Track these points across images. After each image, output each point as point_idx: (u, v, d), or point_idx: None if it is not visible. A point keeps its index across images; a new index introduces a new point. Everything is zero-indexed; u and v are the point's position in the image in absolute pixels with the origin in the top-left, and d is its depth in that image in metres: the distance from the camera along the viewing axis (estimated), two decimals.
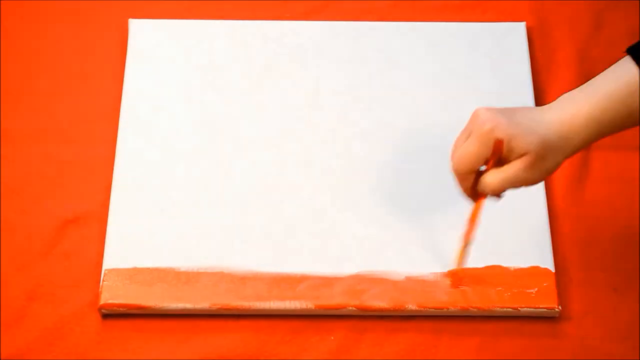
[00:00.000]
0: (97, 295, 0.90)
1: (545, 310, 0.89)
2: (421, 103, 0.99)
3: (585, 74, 1.02)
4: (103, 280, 0.90)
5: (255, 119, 0.98)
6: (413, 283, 0.90)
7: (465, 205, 0.84)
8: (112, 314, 0.90)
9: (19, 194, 0.95)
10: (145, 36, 1.02)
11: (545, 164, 0.78)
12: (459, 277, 0.90)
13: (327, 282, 0.89)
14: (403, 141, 0.97)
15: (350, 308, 0.89)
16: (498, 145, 0.77)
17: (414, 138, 0.97)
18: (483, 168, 0.80)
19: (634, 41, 1.03)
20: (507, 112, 0.79)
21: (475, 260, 0.91)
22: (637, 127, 0.98)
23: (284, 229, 0.92)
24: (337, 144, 0.97)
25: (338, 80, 1.00)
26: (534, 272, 0.90)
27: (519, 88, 1.00)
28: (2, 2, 1.05)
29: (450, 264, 0.90)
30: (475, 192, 0.82)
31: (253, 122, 0.98)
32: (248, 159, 0.96)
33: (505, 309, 0.89)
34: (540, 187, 0.94)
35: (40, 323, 0.90)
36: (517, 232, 0.92)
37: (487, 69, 1.00)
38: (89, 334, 0.89)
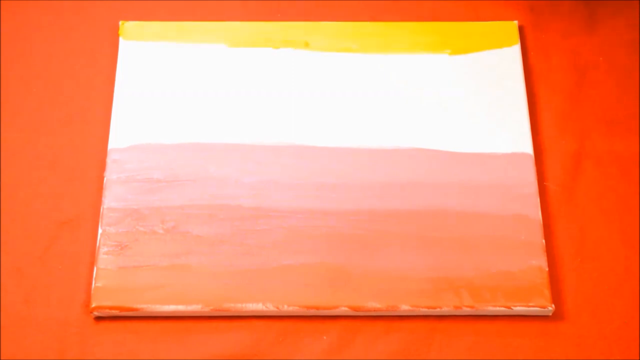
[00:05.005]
0: (90, 298, 0.90)
1: (538, 309, 0.89)
2: (410, 103, 0.99)
3: (579, 74, 1.02)
4: (94, 282, 0.90)
5: (252, 123, 0.98)
6: (406, 282, 0.90)
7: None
8: (105, 316, 0.90)
9: (12, 198, 0.95)
10: (137, 38, 1.02)
11: None
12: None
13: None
14: (396, 141, 0.97)
15: (343, 308, 0.89)
16: None
17: (406, 138, 0.97)
18: None
19: (627, 41, 1.04)
20: None
21: (469, 260, 0.91)
22: (633, 125, 0.99)
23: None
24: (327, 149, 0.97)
25: (326, 83, 1.00)
26: (527, 271, 0.90)
27: (511, 88, 0.99)
28: None
29: None
30: None
31: (248, 126, 0.98)
32: (245, 160, 0.96)
33: (498, 308, 0.89)
34: (533, 184, 0.94)
35: (36, 326, 0.90)
36: (511, 231, 0.92)
37: (478, 69, 1.00)
38: (82, 336, 0.89)
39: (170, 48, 1.01)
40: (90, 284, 0.90)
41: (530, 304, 0.89)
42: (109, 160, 0.95)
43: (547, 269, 0.91)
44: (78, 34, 1.04)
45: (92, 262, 0.91)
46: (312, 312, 0.89)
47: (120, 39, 1.01)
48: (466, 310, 0.89)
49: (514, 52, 1.01)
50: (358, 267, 0.91)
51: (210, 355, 0.89)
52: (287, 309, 0.89)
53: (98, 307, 0.89)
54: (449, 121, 0.98)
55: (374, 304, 0.89)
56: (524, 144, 0.96)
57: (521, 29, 1.04)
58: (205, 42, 1.01)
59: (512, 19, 1.04)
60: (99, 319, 0.90)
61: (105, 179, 0.95)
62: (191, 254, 0.91)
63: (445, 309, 0.89)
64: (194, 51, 1.01)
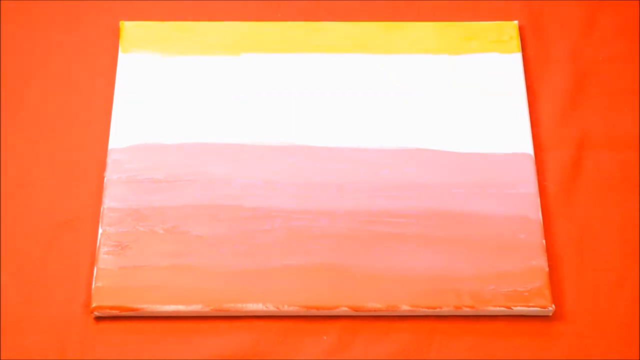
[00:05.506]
0: (90, 298, 0.90)
1: (538, 309, 0.89)
2: (410, 103, 0.99)
3: (578, 73, 1.02)
4: (94, 282, 0.90)
5: (252, 123, 0.98)
6: (406, 282, 0.90)
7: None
8: (105, 316, 0.90)
9: (12, 198, 0.95)
10: (137, 38, 1.02)
11: None
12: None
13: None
14: (396, 141, 0.97)
15: (343, 308, 0.89)
16: None
17: (406, 139, 0.97)
18: None
19: (626, 40, 1.04)
20: None
21: (470, 260, 0.91)
22: (633, 125, 0.99)
23: None
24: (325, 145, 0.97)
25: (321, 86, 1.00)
26: (527, 271, 0.90)
27: (511, 88, 0.99)
28: None
29: None
30: None
31: (248, 126, 0.98)
32: (245, 160, 0.96)
33: (498, 308, 0.89)
34: (533, 184, 0.94)
35: (36, 326, 0.90)
36: (511, 231, 0.92)
37: (479, 69, 1.00)
38: (83, 336, 0.89)
39: (170, 49, 1.01)
40: (91, 284, 0.90)
41: (531, 304, 0.89)
42: (109, 160, 0.95)
43: (547, 269, 0.91)
44: (78, 34, 1.04)
45: (92, 262, 0.91)
46: (312, 312, 0.89)
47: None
48: (466, 311, 0.89)
49: (514, 52, 1.01)
50: (358, 267, 0.91)
51: (210, 355, 0.89)
52: (287, 309, 0.89)
53: (98, 307, 0.89)
54: (449, 121, 0.98)
55: (374, 304, 0.89)
56: (524, 144, 0.96)
57: (521, 29, 1.04)
58: (205, 43, 1.01)
59: (512, 19, 1.04)
60: (99, 319, 0.90)
61: (105, 179, 0.95)
62: (191, 254, 0.91)
63: (445, 309, 0.89)
64: (194, 51, 1.01)
